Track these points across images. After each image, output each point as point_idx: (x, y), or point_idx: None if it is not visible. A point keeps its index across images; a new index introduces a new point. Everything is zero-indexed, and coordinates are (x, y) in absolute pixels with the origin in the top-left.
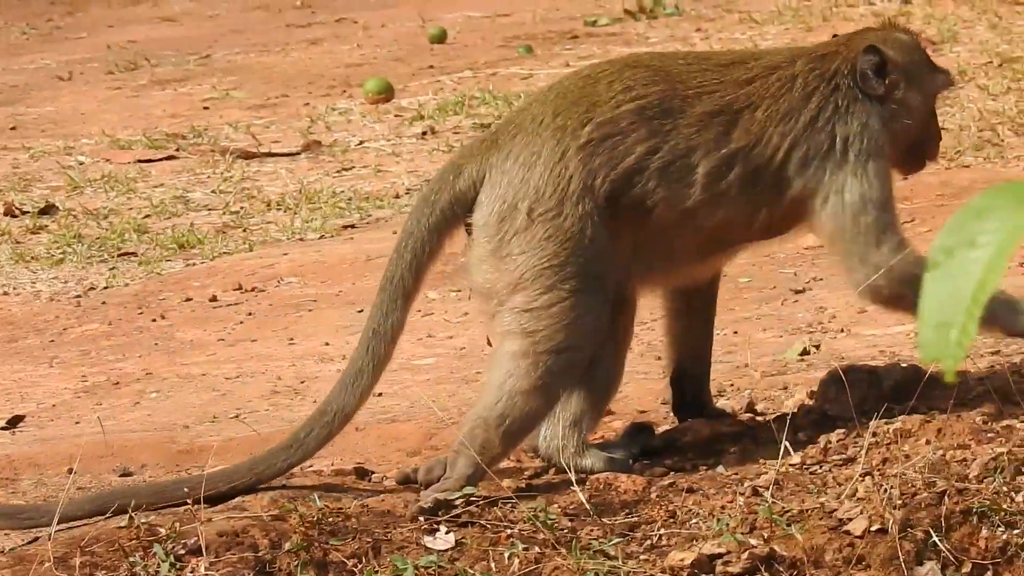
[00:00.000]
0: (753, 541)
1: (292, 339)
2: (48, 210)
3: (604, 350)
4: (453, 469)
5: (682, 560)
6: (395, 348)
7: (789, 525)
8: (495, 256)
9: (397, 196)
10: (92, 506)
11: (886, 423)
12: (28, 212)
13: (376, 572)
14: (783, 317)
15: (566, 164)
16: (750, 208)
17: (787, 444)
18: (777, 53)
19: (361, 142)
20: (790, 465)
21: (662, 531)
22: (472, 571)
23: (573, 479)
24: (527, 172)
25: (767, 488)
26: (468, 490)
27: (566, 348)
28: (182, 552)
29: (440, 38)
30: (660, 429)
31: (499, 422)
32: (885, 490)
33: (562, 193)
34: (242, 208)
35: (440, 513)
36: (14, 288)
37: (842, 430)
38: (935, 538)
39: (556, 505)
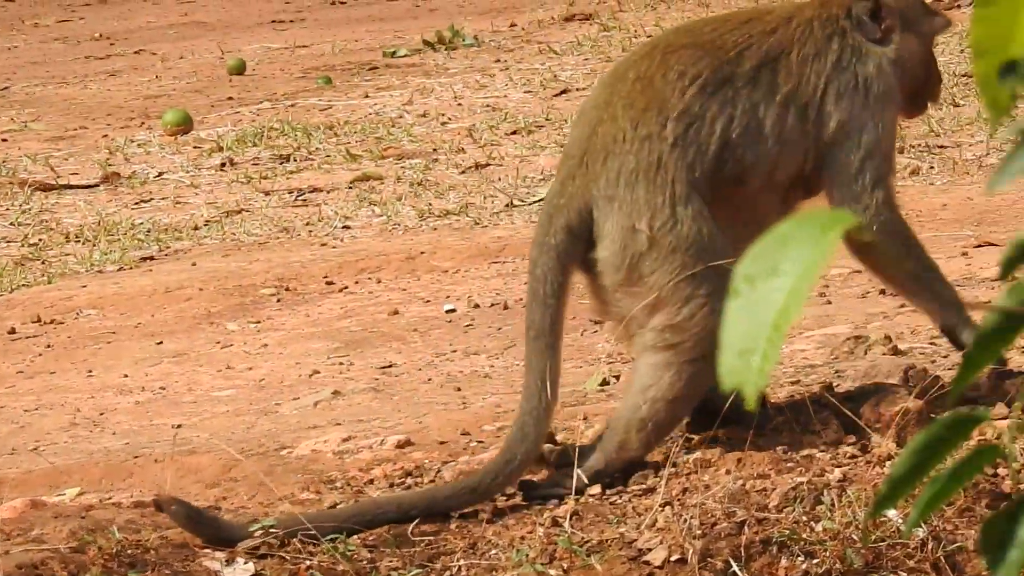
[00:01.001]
0: (552, 572)
1: (91, 371)
2: None
3: None
4: (586, 459)
5: None
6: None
7: (589, 555)
8: (627, 283)
9: (196, 228)
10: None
11: (686, 453)
12: None
13: None
14: (583, 348)
15: (665, 170)
16: (804, 150)
17: (580, 473)
18: (783, 7)
19: (160, 174)
20: (590, 495)
21: (462, 562)
22: None
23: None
24: (633, 192)
25: (567, 518)
26: (268, 521)
27: (710, 353)
28: None
29: (239, 69)
30: (461, 459)
31: (640, 426)
32: (685, 520)
33: (672, 200)
34: (40, 240)
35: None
36: None
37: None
38: (735, 568)
39: (355, 536)
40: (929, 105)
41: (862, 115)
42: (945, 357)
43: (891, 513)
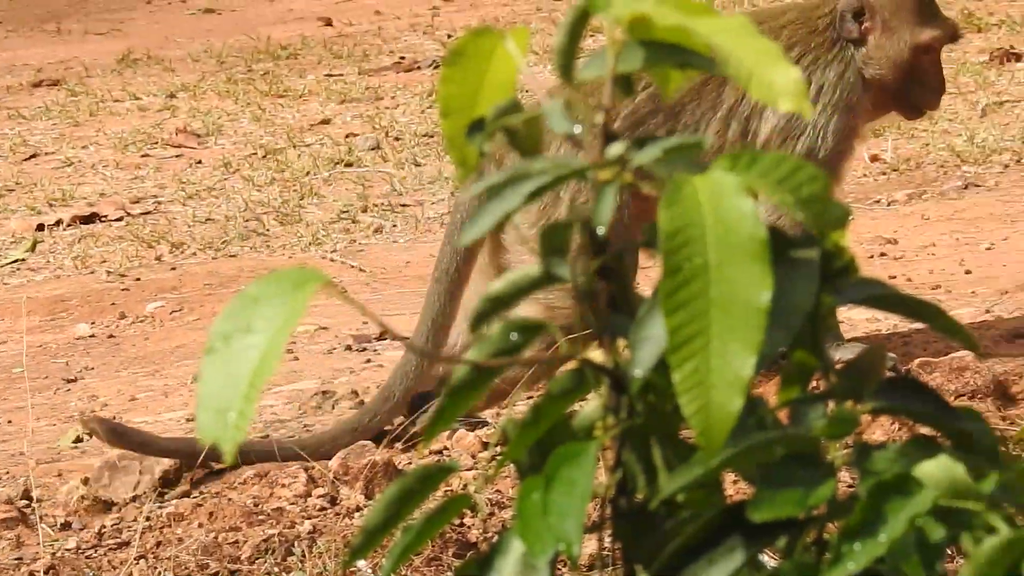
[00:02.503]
0: None
1: None
2: None
3: None
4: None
5: None
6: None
7: None
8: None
9: None
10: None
11: (159, 507)
12: None
13: None
14: (56, 406)
15: None
16: None
17: (48, 529)
18: (767, 10)
19: None
20: (66, 550)
21: None
22: None
23: None
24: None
25: (44, 574)
26: None
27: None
28: None
29: None
30: None
31: None
32: (159, 573)
33: None
34: None
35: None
36: None
37: (117, 515)
38: None
39: None
40: (927, 112)
41: (800, 123)
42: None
43: (361, 563)
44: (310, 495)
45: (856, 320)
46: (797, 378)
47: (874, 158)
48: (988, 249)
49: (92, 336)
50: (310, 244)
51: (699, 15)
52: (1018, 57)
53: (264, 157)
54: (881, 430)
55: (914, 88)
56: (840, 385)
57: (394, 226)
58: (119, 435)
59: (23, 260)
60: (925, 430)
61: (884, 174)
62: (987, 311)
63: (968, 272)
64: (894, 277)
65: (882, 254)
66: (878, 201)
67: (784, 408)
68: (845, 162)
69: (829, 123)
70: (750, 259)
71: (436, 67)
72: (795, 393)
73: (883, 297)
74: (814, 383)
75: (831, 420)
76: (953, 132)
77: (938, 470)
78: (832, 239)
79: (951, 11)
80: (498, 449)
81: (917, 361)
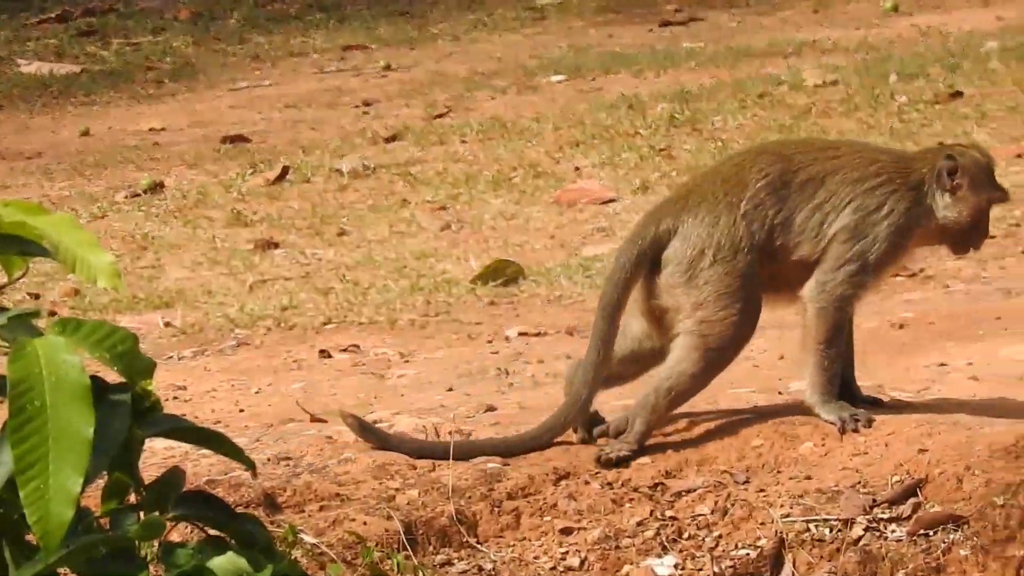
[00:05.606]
0: None
1: None
2: None
3: None
4: (632, 427)
5: None
6: (613, 346)
7: None
8: (687, 284)
9: None
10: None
11: None
12: None
13: None
14: None
15: (736, 226)
16: (817, 241)
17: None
18: (866, 146)
19: None
20: None
21: None
22: None
23: None
24: (711, 229)
25: None
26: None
27: (727, 349)
28: None
29: None
30: None
31: (667, 393)
32: None
33: (736, 246)
34: None
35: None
36: None
37: None
38: None
39: None
40: (972, 249)
41: (867, 229)
42: None
43: None
44: None
45: (157, 448)
46: (115, 493)
47: (167, 324)
48: (257, 392)
49: None
50: None
51: (35, 214)
52: (276, 245)
53: None
54: (179, 533)
55: (972, 232)
56: (149, 498)
57: None
58: (364, 430)
59: None
60: (215, 532)
61: (175, 336)
62: (258, 440)
63: (242, 410)
64: (184, 415)
65: (175, 397)
66: (171, 357)
67: (106, 516)
68: (888, 269)
69: (887, 238)
70: (78, 401)
71: None
72: (114, 504)
73: (181, 429)
74: (130, 497)
75: (142, 525)
76: (227, 304)
77: (227, 563)
78: (141, 385)
79: None
80: None
81: (204, 479)
